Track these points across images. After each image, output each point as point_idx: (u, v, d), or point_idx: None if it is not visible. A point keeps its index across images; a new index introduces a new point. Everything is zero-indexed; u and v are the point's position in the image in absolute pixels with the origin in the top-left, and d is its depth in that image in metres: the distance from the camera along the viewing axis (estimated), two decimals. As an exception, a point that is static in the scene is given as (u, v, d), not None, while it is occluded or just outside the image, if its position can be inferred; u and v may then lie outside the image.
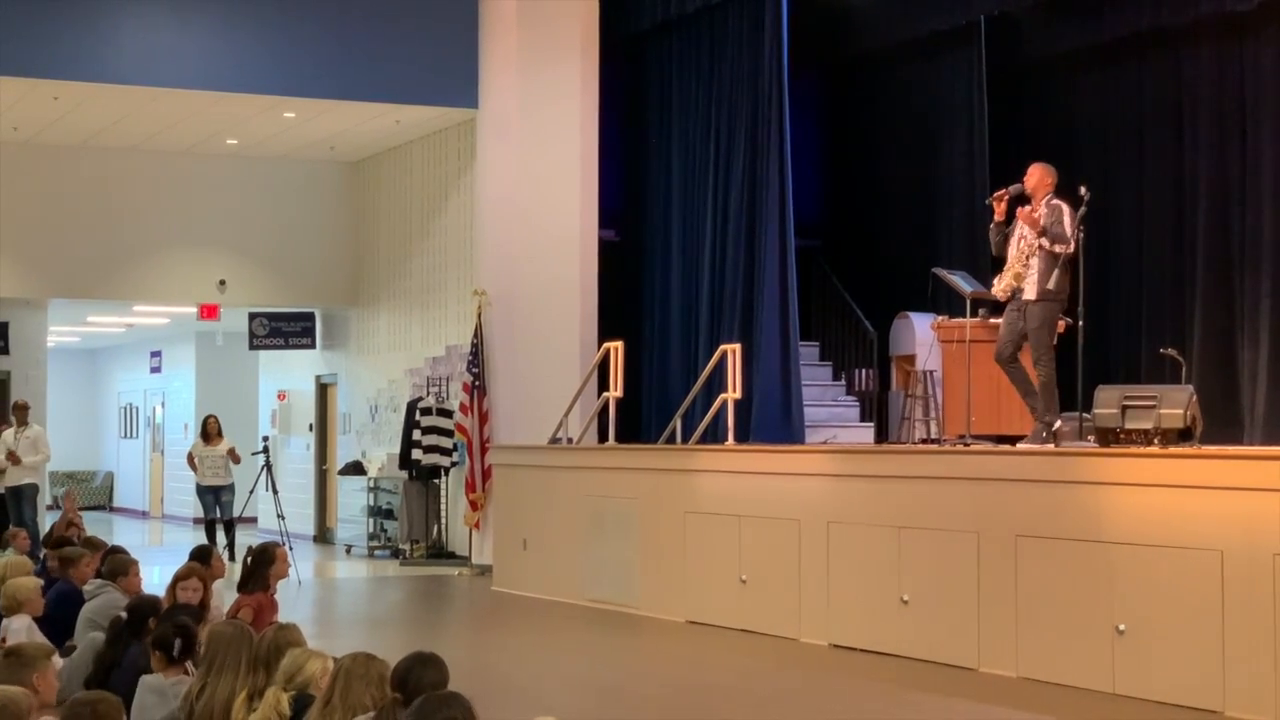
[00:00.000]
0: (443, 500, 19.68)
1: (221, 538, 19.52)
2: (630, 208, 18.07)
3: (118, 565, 9.66)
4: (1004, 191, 11.64)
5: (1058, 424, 11.40)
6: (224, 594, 10.19)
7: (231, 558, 18.50)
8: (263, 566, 9.54)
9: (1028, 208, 11.49)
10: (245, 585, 9.52)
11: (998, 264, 11.78)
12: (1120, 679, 9.67)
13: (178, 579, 8.64)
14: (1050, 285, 11.31)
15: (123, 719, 5.18)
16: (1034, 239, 11.33)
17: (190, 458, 20.28)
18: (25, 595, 8.67)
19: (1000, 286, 11.61)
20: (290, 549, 11.82)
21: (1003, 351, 11.59)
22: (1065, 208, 11.35)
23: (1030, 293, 11.38)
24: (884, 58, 17.18)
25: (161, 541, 24.99)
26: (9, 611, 8.59)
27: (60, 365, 29.53)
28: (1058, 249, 11.26)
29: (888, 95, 17.17)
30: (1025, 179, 11.56)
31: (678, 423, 14.94)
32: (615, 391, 15.56)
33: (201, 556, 9.76)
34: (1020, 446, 11.26)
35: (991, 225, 11.71)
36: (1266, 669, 8.85)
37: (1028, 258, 11.39)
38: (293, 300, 22.73)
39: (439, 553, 19.49)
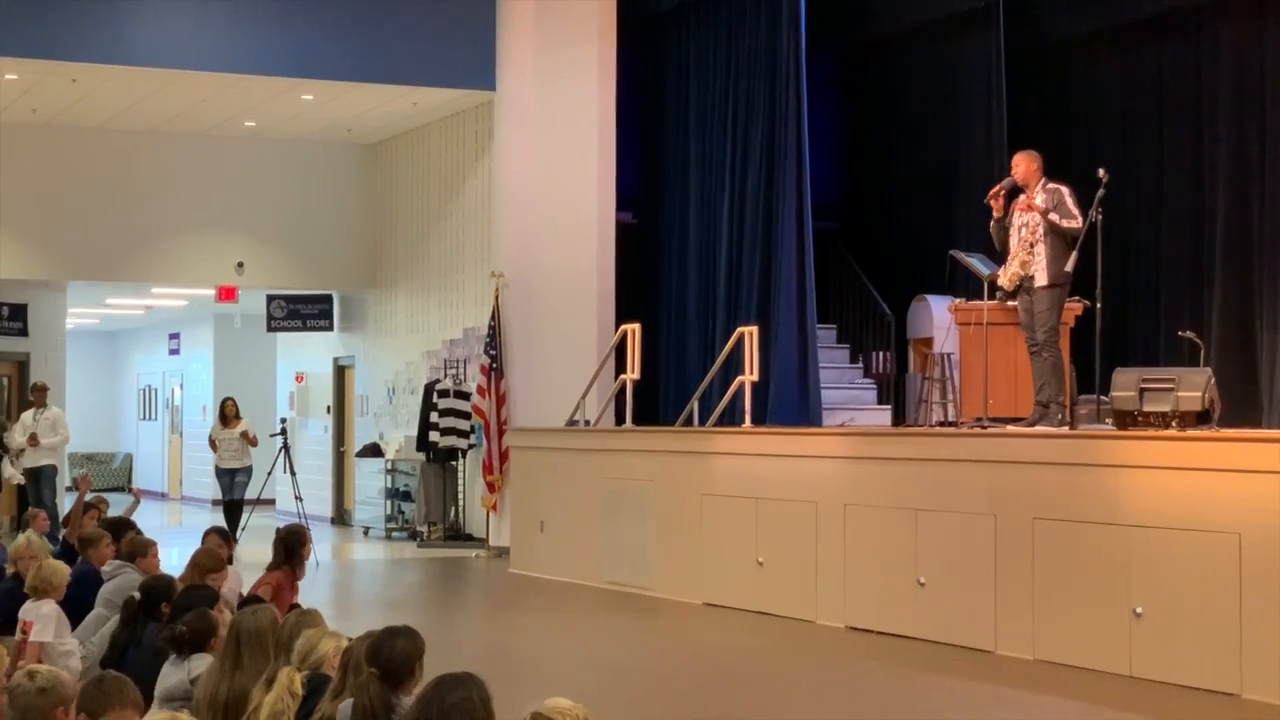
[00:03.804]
0: (460, 482, 19.71)
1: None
2: (647, 190, 18.06)
3: (136, 546, 9.70)
4: (999, 188, 11.70)
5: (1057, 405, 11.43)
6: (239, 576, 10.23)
7: (233, 538, 18.63)
8: (297, 548, 9.76)
9: (1023, 197, 11.50)
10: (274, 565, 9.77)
11: (1004, 257, 11.79)
12: (1138, 662, 9.66)
13: (206, 570, 8.63)
14: (1059, 269, 11.32)
15: (142, 708, 5.17)
16: (1038, 224, 11.31)
17: (212, 441, 20.36)
18: (59, 580, 8.70)
19: (1006, 276, 11.63)
20: (308, 530, 11.86)
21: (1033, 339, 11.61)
22: (1064, 189, 11.38)
23: (1041, 279, 11.40)
24: (902, 40, 17.13)
25: (180, 523, 25.05)
26: (38, 594, 8.58)
27: (79, 347, 29.59)
28: (1066, 224, 11.25)
29: (906, 77, 17.12)
30: (1013, 169, 11.62)
31: (695, 405, 14.95)
32: (632, 374, 15.57)
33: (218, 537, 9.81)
34: (1037, 429, 11.24)
35: (991, 222, 11.76)
36: (1284, 652, 8.84)
37: (1032, 246, 11.40)
38: (310, 282, 22.76)
39: (456, 535, 19.53)
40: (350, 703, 5.35)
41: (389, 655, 5.39)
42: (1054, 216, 11.27)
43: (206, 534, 10.13)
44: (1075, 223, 11.25)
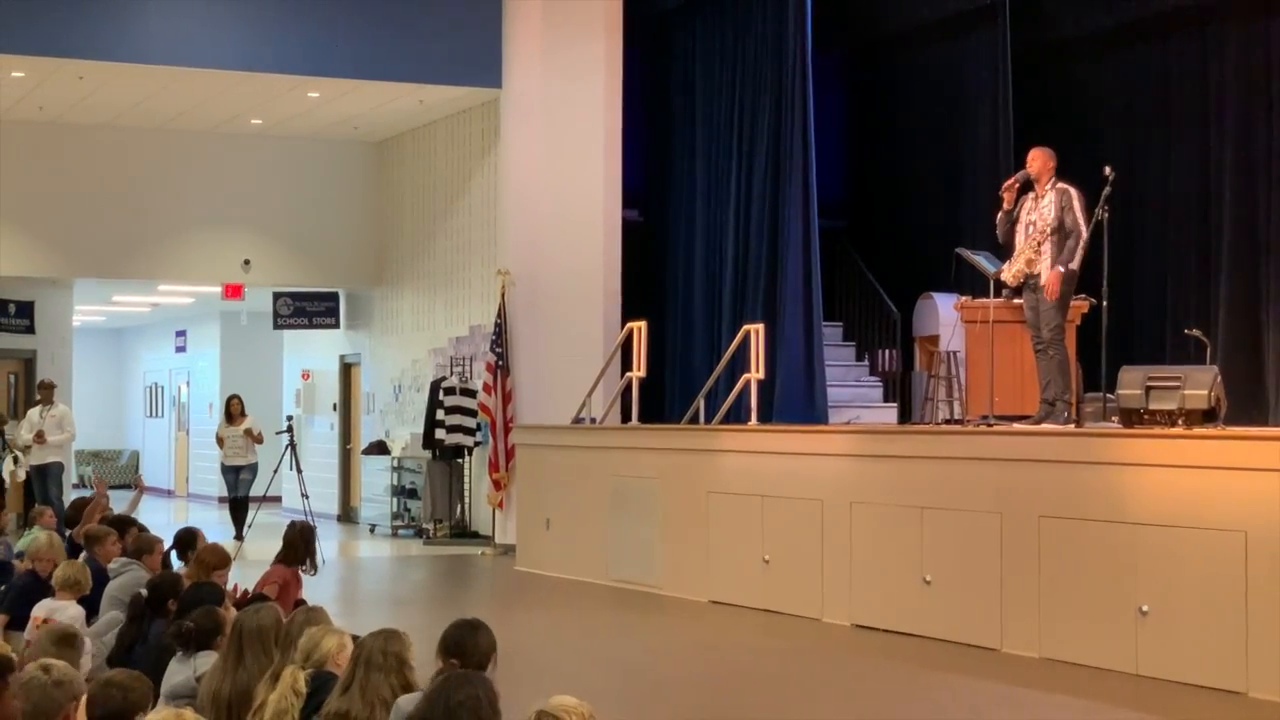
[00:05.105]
0: (466, 480, 19.72)
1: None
2: (654, 188, 18.06)
3: (143, 543, 9.73)
4: (1013, 180, 11.74)
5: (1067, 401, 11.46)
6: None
7: (238, 536, 18.74)
8: (311, 544, 9.89)
9: (1034, 194, 11.55)
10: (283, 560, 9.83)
11: (1008, 250, 11.82)
12: (1143, 660, 9.66)
13: (211, 567, 8.65)
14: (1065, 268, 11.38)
15: (150, 704, 5.17)
16: (1046, 223, 11.36)
17: (219, 438, 20.42)
18: (88, 581, 8.72)
19: (1011, 273, 11.68)
20: (315, 528, 11.88)
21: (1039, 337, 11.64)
22: (1072, 191, 11.42)
23: (1045, 278, 11.43)
24: (908, 37, 17.13)
25: (186, 520, 25.06)
26: (66, 589, 8.59)
27: (86, 344, 29.62)
28: (1079, 258, 11.31)
29: (912, 75, 17.11)
30: (1028, 164, 11.64)
31: (701, 403, 14.95)
32: (638, 371, 15.57)
33: (190, 542, 9.83)
34: (1043, 426, 11.24)
35: (1000, 213, 11.77)
36: (1290, 650, 8.84)
37: (1039, 244, 11.45)
38: (317, 280, 22.77)
39: (462, 532, 19.53)
40: (414, 696, 5.36)
41: (473, 648, 5.54)
42: (1060, 269, 11.29)
43: (180, 535, 10.15)
44: (1081, 246, 11.30)
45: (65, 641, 6.13)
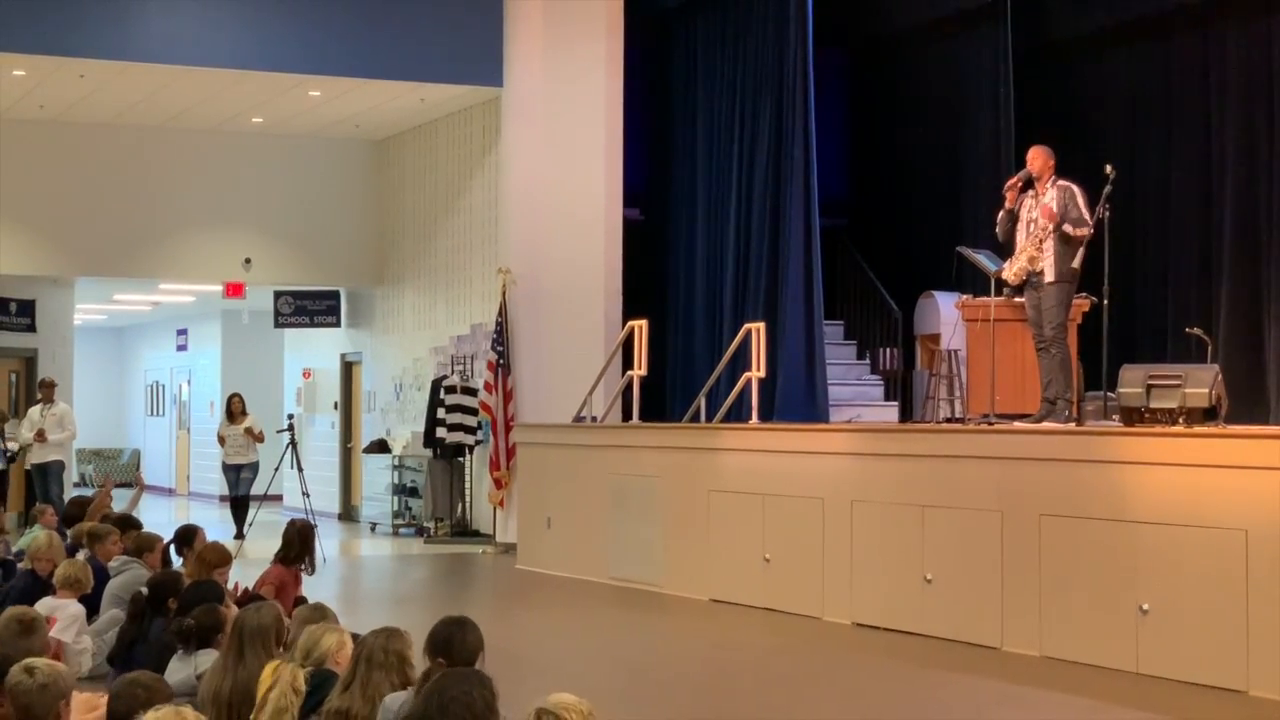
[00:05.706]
0: (467, 478, 19.72)
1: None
2: (655, 186, 18.07)
3: (143, 542, 9.74)
4: (1016, 179, 11.77)
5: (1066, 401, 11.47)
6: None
7: (239, 535, 18.76)
8: (311, 542, 9.98)
9: (1034, 193, 11.57)
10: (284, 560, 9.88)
11: (1008, 248, 11.83)
12: (1144, 658, 9.65)
13: (212, 566, 8.66)
14: (1066, 265, 11.38)
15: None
16: (1048, 223, 11.38)
17: (221, 437, 20.44)
18: (88, 580, 8.73)
19: (1013, 271, 11.70)
20: (315, 526, 11.89)
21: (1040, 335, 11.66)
22: (1074, 188, 11.44)
23: (1049, 275, 11.46)
24: (910, 35, 17.13)
25: (187, 519, 25.02)
26: (66, 587, 8.59)
27: (87, 343, 29.62)
28: (1079, 233, 11.33)
29: (913, 73, 17.12)
30: (1029, 162, 11.68)
31: (702, 401, 14.95)
32: (639, 370, 15.56)
33: (189, 538, 9.85)
34: (1044, 425, 11.24)
35: (1001, 212, 11.78)
36: (1291, 649, 8.83)
37: (1041, 242, 11.46)
38: (318, 279, 22.77)
39: (463, 531, 19.53)
40: (401, 694, 5.35)
41: (460, 646, 5.55)
42: (1067, 227, 11.34)
43: (180, 531, 10.17)
44: (1086, 230, 11.33)
45: (29, 628, 6.17)
